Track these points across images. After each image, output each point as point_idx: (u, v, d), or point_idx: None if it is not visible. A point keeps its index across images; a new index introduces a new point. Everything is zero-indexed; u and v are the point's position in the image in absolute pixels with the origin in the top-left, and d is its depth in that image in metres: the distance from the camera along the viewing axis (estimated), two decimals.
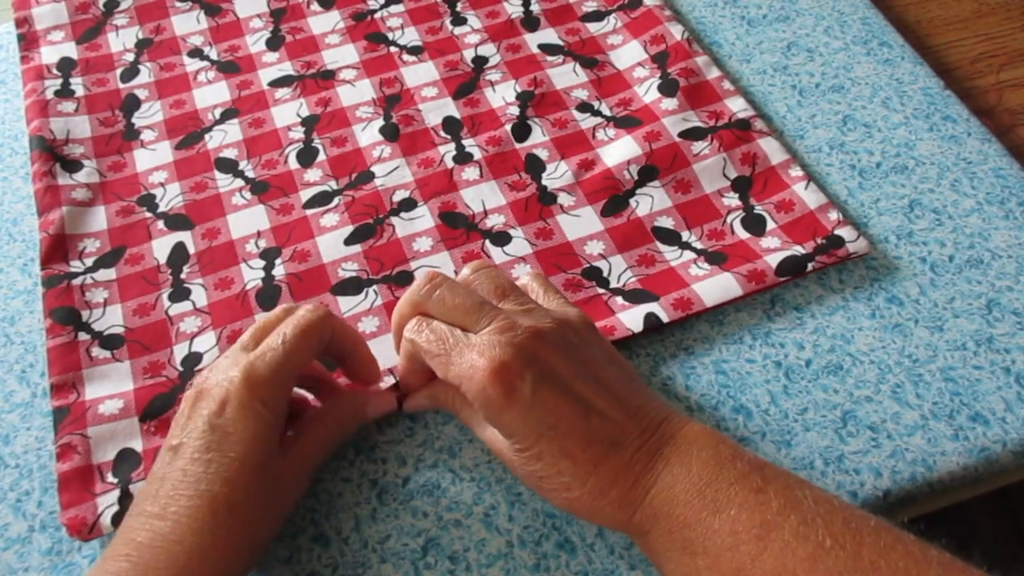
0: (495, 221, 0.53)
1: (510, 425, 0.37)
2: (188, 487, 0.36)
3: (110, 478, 0.43)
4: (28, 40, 0.63)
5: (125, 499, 0.42)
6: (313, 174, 0.56)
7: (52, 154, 0.55)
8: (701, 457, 0.36)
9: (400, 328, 0.42)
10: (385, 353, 0.48)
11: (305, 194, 0.55)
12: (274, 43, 0.63)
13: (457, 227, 0.53)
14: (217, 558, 0.36)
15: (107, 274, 0.51)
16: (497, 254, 0.51)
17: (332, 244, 0.52)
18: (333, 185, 0.55)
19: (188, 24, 0.65)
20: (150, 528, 0.36)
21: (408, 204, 0.54)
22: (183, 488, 0.36)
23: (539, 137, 0.57)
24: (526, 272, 0.47)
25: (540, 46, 0.63)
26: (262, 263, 0.51)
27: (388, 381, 0.46)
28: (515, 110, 0.58)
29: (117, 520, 0.42)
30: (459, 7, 0.65)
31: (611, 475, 0.37)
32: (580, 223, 0.53)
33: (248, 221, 0.53)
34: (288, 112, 0.59)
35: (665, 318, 0.47)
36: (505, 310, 0.40)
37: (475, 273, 0.42)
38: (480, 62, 0.62)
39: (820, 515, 0.34)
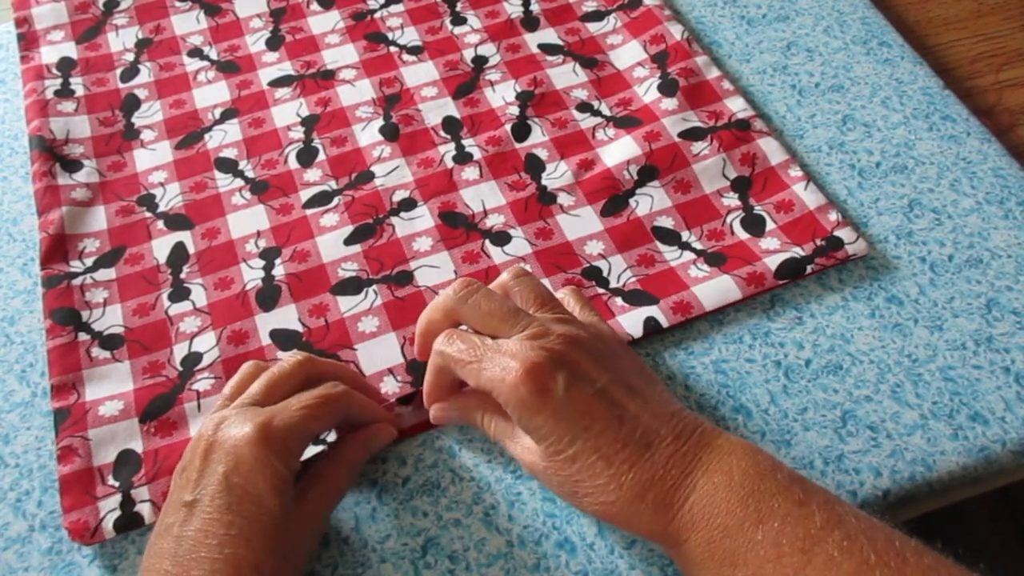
0: (495, 221, 0.53)
1: (543, 427, 0.37)
2: (210, 550, 0.35)
3: (111, 481, 0.43)
4: (28, 40, 0.63)
5: (127, 504, 0.42)
6: (313, 174, 0.56)
7: (52, 154, 0.55)
8: (741, 467, 0.36)
9: (426, 334, 0.42)
10: (386, 353, 0.48)
11: (305, 194, 0.55)
12: (274, 43, 0.63)
13: (457, 227, 0.53)
14: None
15: (107, 274, 0.51)
16: (497, 254, 0.51)
17: (332, 244, 0.52)
18: (333, 185, 0.55)
19: (188, 24, 0.65)
20: None
21: (408, 204, 0.54)
22: (205, 551, 0.35)
23: (539, 137, 0.57)
24: (564, 288, 0.47)
25: (540, 46, 0.63)
26: (262, 263, 0.51)
27: (388, 382, 0.47)
28: (515, 110, 0.58)
29: (119, 525, 0.42)
30: (459, 7, 0.65)
31: (647, 478, 0.36)
32: (580, 223, 0.53)
33: (248, 221, 0.53)
34: (288, 112, 0.59)
35: (665, 323, 0.48)
36: (539, 318, 0.40)
37: (514, 280, 0.43)
38: (480, 62, 0.62)
39: (863, 532, 0.33)
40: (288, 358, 0.42)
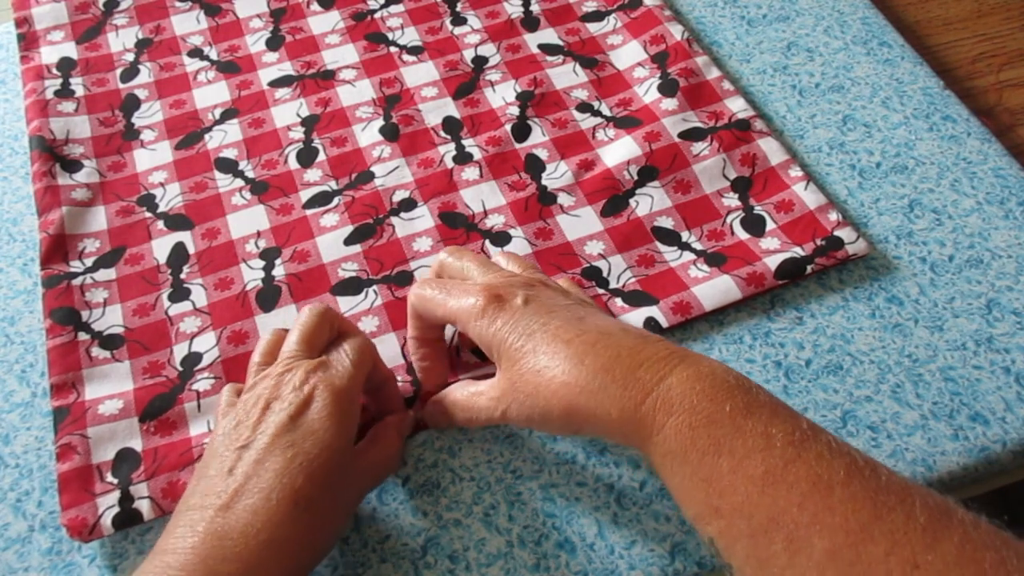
0: (495, 221, 0.53)
1: (500, 332, 0.38)
2: (266, 480, 0.35)
3: (110, 478, 0.43)
4: (28, 40, 0.63)
5: (125, 501, 0.42)
6: (313, 174, 0.56)
7: (52, 154, 0.55)
8: (724, 367, 0.35)
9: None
10: (386, 353, 0.48)
11: (305, 194, 0.55)
12: (274, 43, 0.63)
13: (457, 227, 0.53)
14: (290, 552, 0.35)
15: (107, 274, 0.51)
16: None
17: (332, 244, 0.52)
18: (333, 185, 0.55)
19: (188, 24, 0.65)
20: (219, 521, 0.34)
21: (408, 204, 0.54)
22: (260, 481, 0.35)
23: (539, 137, 0.57)
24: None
25: (540, 46, 0.63)
26: (262, 263, 0.51)
27: (390, 341, 0.46)
28: (515, 110, 0.58)
29: (118, 522, 0.42)
30: (459, 7, 0.65)
31: (613, 353, 0.35)
32: (580, 223, 0.53)
33: (248, 221, 0.53)
34: (288, 112, 0.59)
35: (665, 323, 0.48)
36: (510, 270, 0.43)
37: (500, 253, 0.48)
38: (480, 62, 0.62)
39: (846, 444, 0.33)
40: (309, 310, 0.42)
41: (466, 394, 0.41)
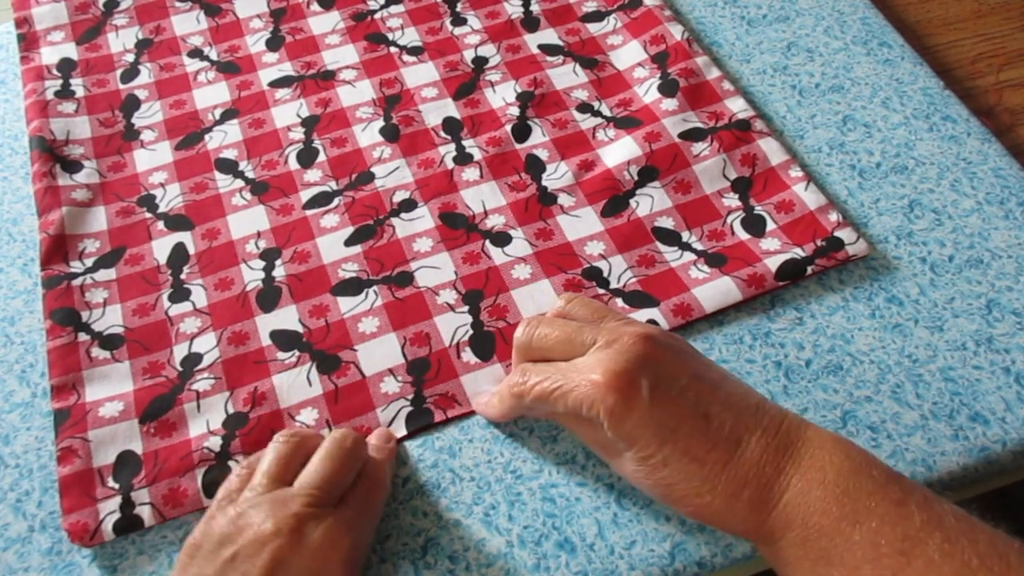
0: (495, 221, 0.53)
1: (633, 433, 0.37)
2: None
3: (111, 483, 0.43)
4: (28, 40, 0.63)
5: (126, 507, 0.42)
6: (313, 175, 0.56)
7: (52, 154, 0.55)
8: (835, 464, 0.36)
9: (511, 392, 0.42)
10: (386, 353, 0.48)
11: (305, 195, 0.55)
12: (274, 43, 0.63)
13: (457, 228, 0.53)
14: None
15: (107, 274, 0.51)
16: (497, 255, 0.51)
17: (332, 245, 0.52)
18: (333, 186, 0.55)
19: (188, 24, 0.65)
20: None
21: (408, 205, 0.54)
22: None
23: (539, 137, 0.57)
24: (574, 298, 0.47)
25: (540, 46, 0.63)
26: (262, 264, 0.51)
27: (389, 383, 0.47)
28: (515, 110, 0.58)
29: (119, 527, 0.42)
30: (459, 7, 0.65)
31: (741, 477, 0.36)
32: (580, 223, 0.53)
33: (248, 222, 0.53)
34: (288, 112, 0.59)
35: (665, 325, 0.48)
36: (606, 327, 0.40)
37: (568, 303, 0.43)
38: (480, 62, 0.62)
39: (964, 533, 0.33)
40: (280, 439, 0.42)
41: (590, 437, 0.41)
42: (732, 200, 0.54)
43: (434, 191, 0.54)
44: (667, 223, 0.53)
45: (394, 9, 0.65)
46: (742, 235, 0.52)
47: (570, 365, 0.39)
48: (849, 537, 0.34)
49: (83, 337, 0.48)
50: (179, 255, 0.52)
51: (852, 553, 0.33)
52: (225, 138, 0.58)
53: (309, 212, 0.54)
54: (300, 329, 0.49)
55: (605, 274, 0.51)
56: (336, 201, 0.54)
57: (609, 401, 0.37)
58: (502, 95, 0.59)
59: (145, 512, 0.42)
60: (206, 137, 0.58)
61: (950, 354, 0.47)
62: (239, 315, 0.49)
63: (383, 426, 0.45)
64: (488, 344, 0.48)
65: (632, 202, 0.54)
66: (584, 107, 0.59)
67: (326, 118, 0.58)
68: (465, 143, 0.57)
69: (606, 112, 0.59)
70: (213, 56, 0.63)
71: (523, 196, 0.54)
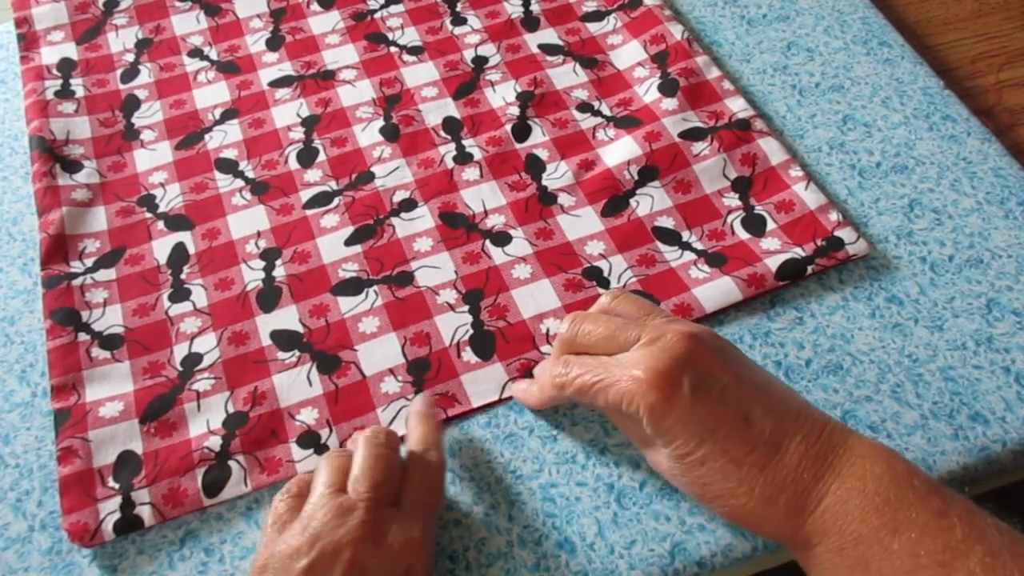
0: (495, 221, 0.53)
1: (672, 430, 0.37)
2: None
3: (111, 483, 0.43)
4: (28, 40, 0.63)
5: (127, 506, 0.42)
6: (313, 174, 0.56)
7: (52, 154, 0.55)
8: (876, 472, 0.35)
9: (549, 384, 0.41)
10: (386, 353, 0.48)
11: (305, 194, 0.55)
12: (274, 43, 0.63)
13: (457, 227, 0.53)
14: None
15: (107, 274, 0.51)
16: (497, 254, 0.51)
17: (332, 245, 0.52)
18: (333, 185, 0.55)
19: (188, 24, 0.65)
20: None
21: (408, 204, 0.54)
22: None
23: (539, 137, 0.57)
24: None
25: (540, 46, 0.63)
26: (262, 264, 0.51)
27: (389, 382, 0.47)
28: (515, 110, 0.58)
29: (119, 527, 0.42)
30: (459, 7, 0.65)
31: (778, 481, 0.36)
32: (580, 223, 0.53)
33: (248, 221, 0.53)
34: (288, 112, 0.59)
35: None
36: (651, 324, 0.40)
37: (613, 300, 0.43)
38: (480, 62, 0.62)
39: (1007, 547, 0.32)
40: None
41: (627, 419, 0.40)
42: (732, 200, 0.54)
43: (434, 191, 0.54)
44: (667, 223, 0.53)
45: (394, 9, 0.65)
46: (742, 235, 0.52)
47: (613, 360, 0.39)
48: (888, 547, 0.33)
49: (83, 337, 0.48)
50: (179, 255, 0.52)
51: (891, 563, 0.33)
52: (225, 138, 0.58)
53: (309, 212, 0.54)
54: (300, 329, 0.49)
55: (605, 274, 0.51)
56: (336, 201, 0.54)
57: (650, 398, 0.36)
58: (502, 95, 0.59)
59: (145, 512, 0.42)
60: (206, 137, 0.58)
61: (950, 354, 0.47)
62: (239, 315, 0.49)
63: (382, 426, 0.45)
64: (488, 344, 0.48)
65: (632, 202, 0.54)
66: (584, 107, 0.59)
67: (326, 118, 0.58)
68: (465, 143, 0.57)
69: (606, 112, 0.58)
70: (213, 56, 0.62)
71: (523, 196, 0.54)
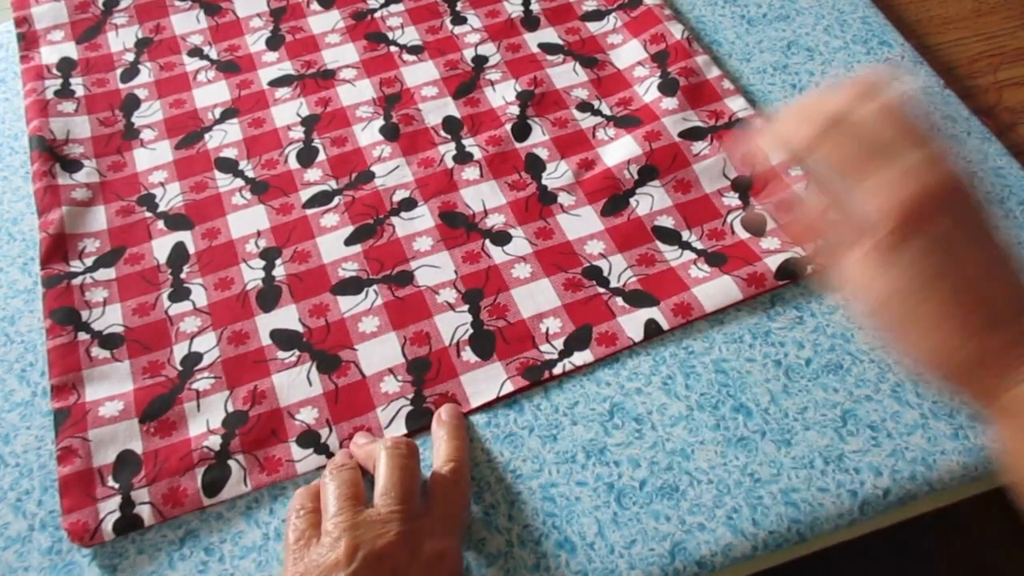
0: (495, 221, 0.53)
1: (911, 254, 0.33)
2: None
3: (111, 483, 0.43)
4: (28, 40, 0.63)
5: (126, 506, 0.42)
6: (313, 174, 0.56)
7: (52, 154, 0.55)
8: None
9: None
10: (386, 353, 0.48)
11: (305, 194, 0.55)
12: (274, 43, 0.63)
13: (457, 227, 0.53)
14: None
15: (107, 274, 0.51)
16: (497, 254, 0.51)
17: (332, 244, 0.52)
18: (333, 185, 0.55)
19: (188, 23, 0.64)
20: None
21: (408, 204, 0.54)
22: None
23: (539, 137, 0.57)
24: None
25: (540, 45, 0.62)
26: (262, 263, 0.51)
27: (389, 382, 0.47)
28: (515, 109, 0.58)
29: (119, 527, 0.42)
30: (459, 6, 0.65)
31: (987, 349, 0.33)
32: (580, 222, 0.53)
33: (248, 221, 0.53)
34: (288, 112, 0.59)
35: (666, 325, 0.48)
36: (930, 151, 0.35)
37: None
38: (480, 61, 0.62)
39: None
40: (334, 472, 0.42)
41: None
42: (732, 199, 0.54)
43: (434, 190, 0.54)
44: (667, 222, 0.53)
45: (394, 8, 0.65)
46: (742, 234, 0.52)
47: (878, 155, 0.34)
48: None
49: (83, 336, 0.48)
50: (179, 254, 0.52)
51: None
52: (225, 137, 0.58)
53: (309, 211, 0.54)
54: (300, 328, 0.49)
55: (605, 273, 0.50)
56: (336, 200, 0.54)
57: (911, 208, 0.33)
58: (502, 94, 0.59)
59: (145, 511, 0.42)
60: (206, 136, 0.58)
61: None
62: (239, 314, 0.49)
63: (383, 426, 0.45)
64: (488, 343, 0.48)
65: (632, 201, 0.54)
66: (584, 106, 0.59)
67: (326, 117, 0.58)
68: (465, 142, 0.57)
69: (606, 111, 0.58)
70: (213, 55, 0.62)
71: (523, 195, 0.54)
